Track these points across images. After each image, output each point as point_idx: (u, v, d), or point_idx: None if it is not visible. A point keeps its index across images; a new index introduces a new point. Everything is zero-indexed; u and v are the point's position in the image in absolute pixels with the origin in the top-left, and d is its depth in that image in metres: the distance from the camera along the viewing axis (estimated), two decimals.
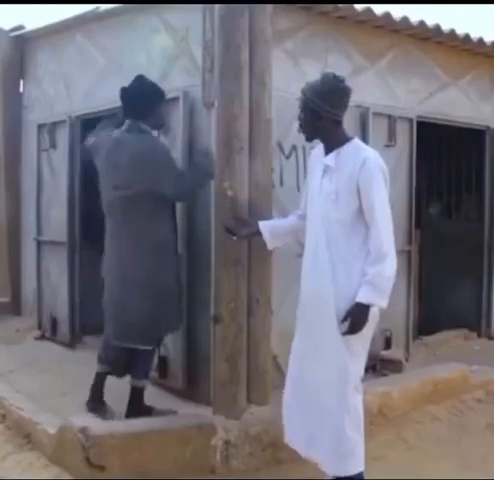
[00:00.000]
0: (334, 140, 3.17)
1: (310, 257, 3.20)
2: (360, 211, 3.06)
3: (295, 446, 3.31)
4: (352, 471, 3.06)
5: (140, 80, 3.95)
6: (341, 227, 3.08)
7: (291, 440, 3.33)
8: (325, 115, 3.11)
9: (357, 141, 3.23)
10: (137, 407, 3.93)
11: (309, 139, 3.27)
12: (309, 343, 3.18)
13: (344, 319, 3.01)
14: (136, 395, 3.95)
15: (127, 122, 3.91)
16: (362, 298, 2.98)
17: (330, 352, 3.07)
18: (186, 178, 3.85)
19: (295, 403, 3.27)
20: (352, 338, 3.02)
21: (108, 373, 4.07)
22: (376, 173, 3.05)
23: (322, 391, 3.10)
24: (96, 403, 4.01)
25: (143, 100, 3.88)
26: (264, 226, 3.46)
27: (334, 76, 3.15)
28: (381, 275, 2.99)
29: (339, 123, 3.17)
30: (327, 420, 3.08)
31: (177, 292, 4.00)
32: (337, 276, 3.06)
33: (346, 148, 3.14)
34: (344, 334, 3.01)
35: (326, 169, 3.16)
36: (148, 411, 3.92)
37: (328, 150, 3.19)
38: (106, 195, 3.90)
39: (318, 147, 3.32)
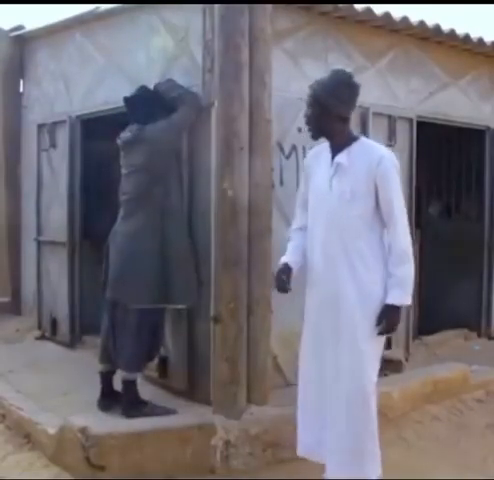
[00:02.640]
0: (342, 138, 3.14)
1: (319, 259, 3.15)
2: (376, 208, 3.07)
3: (310, 454, 3.26)
4: (372, 475, 3.05)
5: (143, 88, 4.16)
6: (363, 223, 3.07)
7: (305, 448, 3.26)
8: (334, 111, 3.08)
9: (366, 139, 3.24)
10: (131, 400, 3.94)
11: (315, 137, 3.20)
12: (325, 344, 3.13)
13: (379, 322, 3.03)
14: (128, 388, 3.95)
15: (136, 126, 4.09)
16: (394, 300, 3.03)
17: (349, 353, 3.04)
18: (173, 119, 4.02)
19: (310, 406, 3.21)
20: (373, 340, 3.05)
21: (110, 372, 4.08)
22: (392, 171, 3.07)
23: (342, 392, 3.05)
24: (107, 402, 4.02)
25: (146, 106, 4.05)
26: (295, 264, 3.26)
27: (344, 72, 3.14)
28: (408, 276, 3.06)
29: (347, 121, 3.16)
30: (348, 423, 3.03)
31: (192, 263, 4.06)
32: (357, 274, 3.06)
33: (356, 146, 3.11)
34: (379, 335, 3.06)
35: (338, 168, 3.11)
36: (143, 404, 3.93)
37: (336, 149, 3.14)
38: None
39: (317, 148, 3.30)
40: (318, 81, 3.13)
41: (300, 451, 3.27)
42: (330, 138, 3.17)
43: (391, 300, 3.02)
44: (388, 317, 3.03)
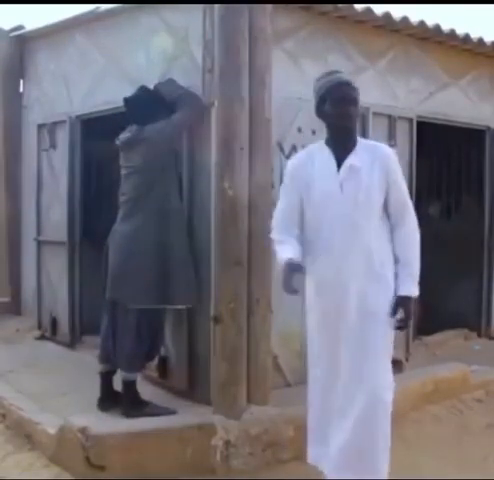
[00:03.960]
0: (355, 138, 3.15)
1: (330, 265, 3.07)
2: (385, 205, 3.09)
3: (320, 463, 3.21)
4: (384, 475, 3.03)
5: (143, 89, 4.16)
6: (378, 222, 3.07)
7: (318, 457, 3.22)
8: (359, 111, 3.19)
9: (362, 139, 3.26)
10: (131, 400, 3.94)
11: (351, 138, 3.13)
12: (341, 348, 3.07)
13: (394, 313, 3.05)
14: (129, 388, 3.96)
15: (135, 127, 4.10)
16: (410, 292, 3.07)
17: (374, 355, 3.02)
18: (173, 120, 4.02)
19: (328, 412, 3.15)
20: (390, 341, 3.08)
21: (110, 372, 4.08)
22: (398, 164, 3.13)
23: (364, 392, 3.01)
24: (107, 402, 4.02)
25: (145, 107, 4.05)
26: (298, 258, 3.06)
27: None
28: (418, 267, 3.10)
29: None
30: (368, 424, 3.00)
31: (190, 262, 4.06)
32: (378, 275, 3.05)
33: (360, 147, 3.11)
34: (397, 329, 3.09)
35: (350, 170, 3.06)
36: (143, 404, 3.93)
37: (342, 151, 3.10)
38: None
39: (302, 154, 3.27)
40: (349, 80, 3.13)
41: (312, 459, 3.25)
42: (350, 138, 3.12)
43: (407, 292, 3.05)
44: (406, 309, 3.05)
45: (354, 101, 3.10)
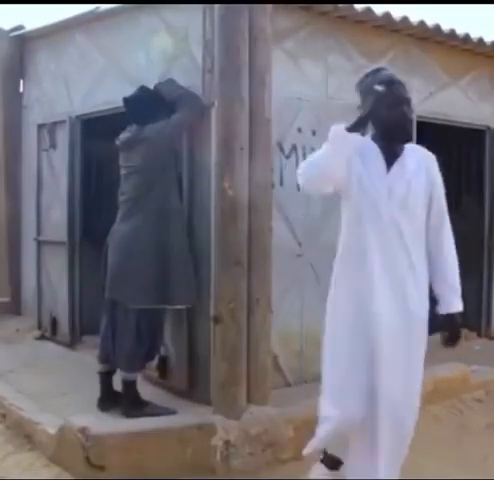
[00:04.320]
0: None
1: (386, 273, 2.85)
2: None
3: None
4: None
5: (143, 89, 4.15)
6: (421, 231, 2.91)
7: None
8: None
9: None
10: (131, 400, 3.94)
11: (406, 141, 2.96)
12: (387, 354, 2.85)
13: (445, 330, 2.98)
14: (129, 388, 3.96)
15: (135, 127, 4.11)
16: (456, 308, 2.96)
17: (414, 368, 2.92)
18: (173, 120, 4.02)
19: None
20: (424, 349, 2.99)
21: (110, 372, 4.08)
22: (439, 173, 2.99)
23: (403, 402, 2.88)
24: (107, 402, 4.02)
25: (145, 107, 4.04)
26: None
27: None
28: (459, 282, 2.97)
29: None
30: (404, 427, 2.93)
31: (190, 262, 4.06)
32: (421, 287, 2.92)
33: (407, 149, 2.93)
34: (447, 346, 3.00)
35: (400, 173, 2.88)
36: (143, 404, 3.94)
37: (392, 152, 2.91)
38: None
39: (358, 137, 2.86)
40: (400, 79, 2.94)
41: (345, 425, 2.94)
42: (407, 141, 2.97)
43: (456, 308, 2.95)
44: (455, 324, 2.97)
45: (408, 101, 2.92)
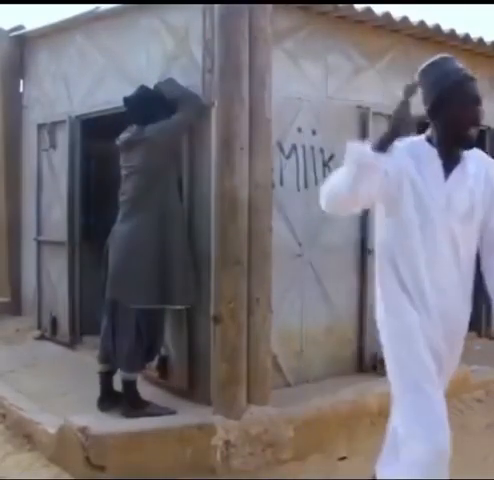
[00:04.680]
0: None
1: (437, 295, 2.62)
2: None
3: None
4: None
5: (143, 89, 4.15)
6: (476, 244, 2.69)
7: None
8: None
9: None
10: (131, 400, 3.94)
11: (470, 146, 2.66)
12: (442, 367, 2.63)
13: None
14: (129, 388, 3.96)
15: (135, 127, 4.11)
16: None
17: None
18: (173, 120, 4.03)
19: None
20: None
21: (110, 372, 4.08)
22: None
23: None
24: (107, 402, 4.03)
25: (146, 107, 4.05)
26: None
27: None
28: None
29: None
30: None
31: (189, 262, 4.06)
32: (468, 304, 2.81)
33: (467, 154, 2.62)
34: None
35: (460, 181, 2.55)
36: (144, 404, 3.94)
37: (452, 156, 2.59)
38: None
39: (408, 144, 2.57)
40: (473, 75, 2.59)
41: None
42: (471, 146, 2.67)
43: None
44: None
45: (481, 101, 2.62)
